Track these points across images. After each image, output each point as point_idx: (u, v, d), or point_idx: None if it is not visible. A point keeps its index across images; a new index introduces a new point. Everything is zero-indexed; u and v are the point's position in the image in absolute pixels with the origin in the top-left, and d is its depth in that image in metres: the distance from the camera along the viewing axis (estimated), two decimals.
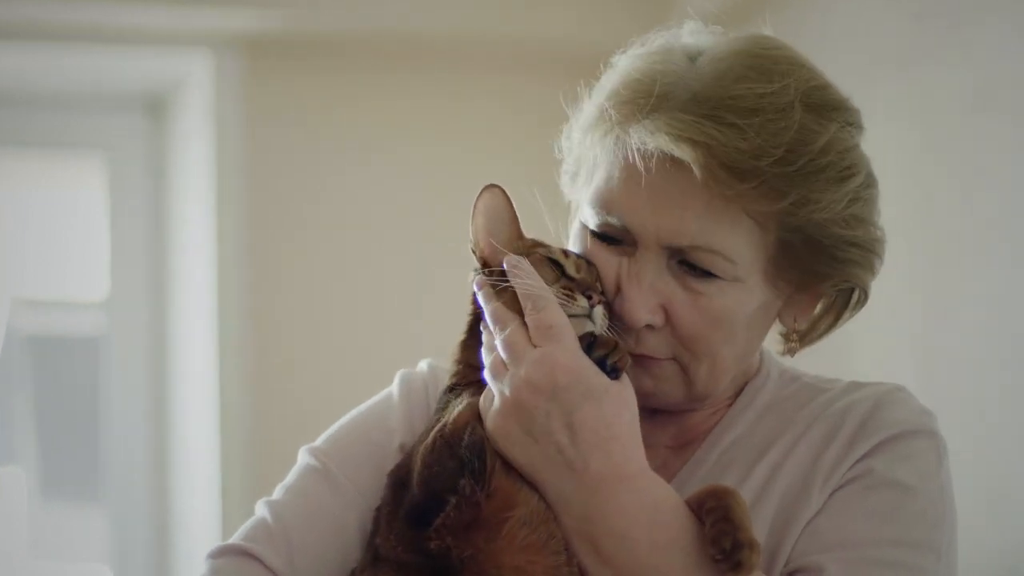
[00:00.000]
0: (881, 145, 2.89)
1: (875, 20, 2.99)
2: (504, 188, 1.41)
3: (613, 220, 1.37)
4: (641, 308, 1.35)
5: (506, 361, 1.31)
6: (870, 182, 1.41)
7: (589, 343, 1.32)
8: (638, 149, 1.33)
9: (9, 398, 3.73)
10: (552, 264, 1.38)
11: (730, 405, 1.47)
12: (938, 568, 1.34)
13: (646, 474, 1.30)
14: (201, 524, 3.52)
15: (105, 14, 3.31)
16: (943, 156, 2.78)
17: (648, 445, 1.39)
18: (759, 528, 1.35)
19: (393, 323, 3.48)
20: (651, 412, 1.45)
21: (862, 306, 1.48)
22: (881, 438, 1.37)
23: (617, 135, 1.36)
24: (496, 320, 1.34)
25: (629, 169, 1.35)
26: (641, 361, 1.39)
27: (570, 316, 1.34)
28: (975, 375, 2.66)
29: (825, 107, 1.38)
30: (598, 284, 1.38)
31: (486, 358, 1.34)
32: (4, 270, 3.77)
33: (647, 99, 1.35)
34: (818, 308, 1.46)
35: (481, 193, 1.41)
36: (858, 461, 1.37)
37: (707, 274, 1.36)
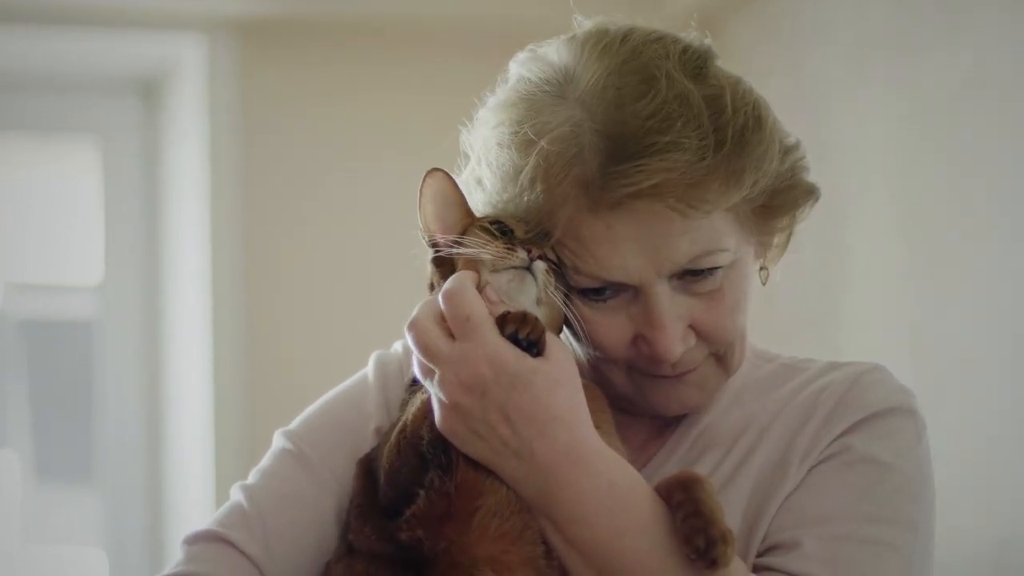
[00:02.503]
0: (873, 133, 2.91)
1: (865, 7, 2.98)
2: (446, 171, 1.40)
3: (606, 286, 1.34)
4: (676, 344, 1.34)
5: (425, 364, 1.29)
6: (762, 101, 1.38)
7: (501, 323, 1.28)
8: (603, 219, 1.31)
9: (3, 382, 3.74)
10: (499, 227, 1.34)
11: None
12: (915, 544, 1.33)
13: (600, 454, 1.28)
14: (195, 507, 3.52)
15: None
16: (935, 143, 2.78)
17: (625, 429, 1.39)
18: (736, 507, 1.35)
19: (386, 307, 3.46)
20: None
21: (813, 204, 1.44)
22: (859, 416, 1.37)
23: (571, 216, 1.32)
24: (410, 319, 1.31)
25: (595, 232, 1.32)
26: (682, 376, 1.38)
27: (510, 269, 1.31)
28: (969, 363, 2.66)
29: (700, 67, 1.35)
30: (547, 252, 1.34)
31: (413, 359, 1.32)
32: None
33: (569, 169, 1.31)
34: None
35: (425, 179, 1.39)
36: (836, 439, 1.36)
37: (709, 271, 1.35)
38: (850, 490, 1.33)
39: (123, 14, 3.38)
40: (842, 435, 1.36)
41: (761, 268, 1.44)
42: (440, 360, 1.28)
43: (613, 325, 1.35)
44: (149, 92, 3.77)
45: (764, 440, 1.39)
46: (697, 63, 1.35)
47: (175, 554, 1.39)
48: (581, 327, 1.35)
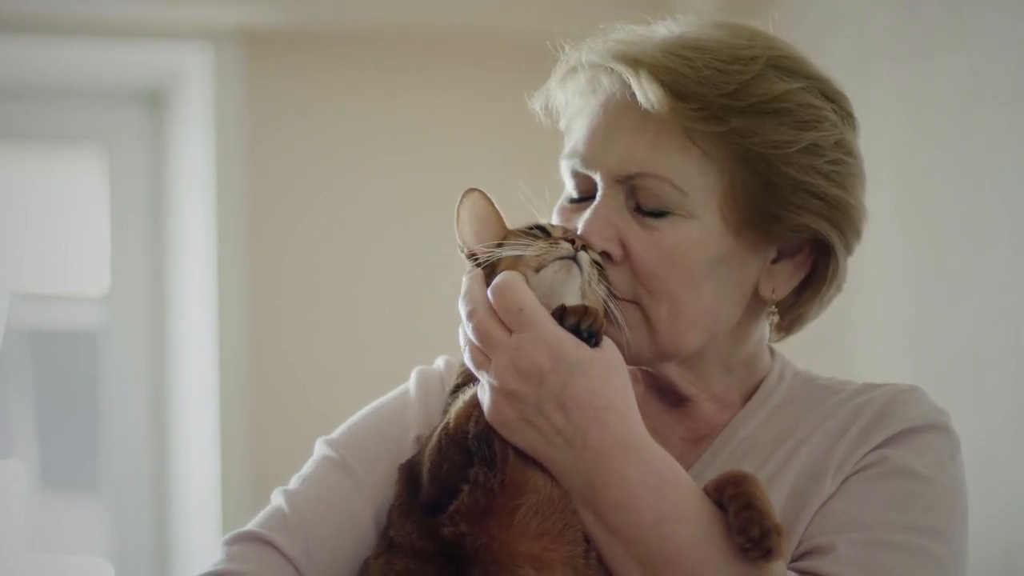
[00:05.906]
0: (878, 138, 2.92)
1: (871, 12, 2.99)
2: (483, 190, 1.42)
3: (579, 169, 1.41)
4: (594, 235, 1.37)
5: (483, 351, 1.31)
6: (848, 151, 1.43)
7: (560, 315, 1.31)
8: (599, 99, 1.39)
9: (9, 392, 3.73)
10: (537, 229, 1.39)
11: (745, 402, 1.48)
12: (948, 555, 1.35)
13: (648, 445, 1.30)
14: (200, 517, 3.52)
15: (105, 7, 3.31)
16: (939, 147, 2.78)
17: (664, 437, 1.40)
18: None
19: (392, 317, 3.48)
20: (667, 405, 1.47)
21: (839, 278, 1.49)
22: (896, 430, 1.39)
23: (577, 76, 1.43)
24: (464, 306, 1.33)
25: (590, 118, 1.41)
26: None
27: (555, 261, 1.34)
28: (972, 368, 2.67)
29: (794, 72, 1.40)
30: (590, 251, 1.38)
31: (464, 348, 1.34)
32: (3, 263, 3.77)
33: (616, 43, 1.40)
34: (797, 281, 1.47)
35: (462, 200, 1.42)
36: (872, 450, 1.38)
37: (662, 213, 1.37)
38: (886, 499, 1.35)
39: (129, 24, 3.38)
40: (878, 447, 1.38)
41: (772, 314, 1.48)
42: (497, 348, 1.30)
43: (570, 223, 1.41)
44: (155, 101, 3.77)
45: (801, 451, 1.41)
46: (793, 69, 1.39)
47: (196, 561, 1.39)
48: (614, 311, 1.37)
